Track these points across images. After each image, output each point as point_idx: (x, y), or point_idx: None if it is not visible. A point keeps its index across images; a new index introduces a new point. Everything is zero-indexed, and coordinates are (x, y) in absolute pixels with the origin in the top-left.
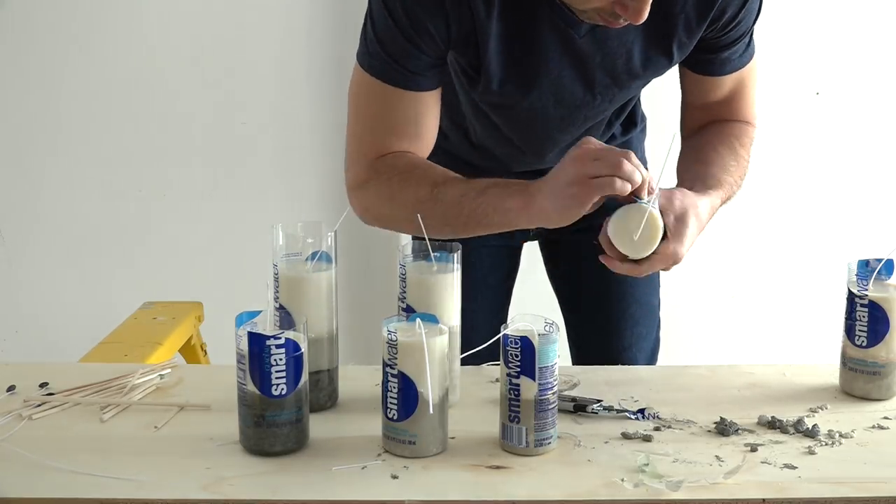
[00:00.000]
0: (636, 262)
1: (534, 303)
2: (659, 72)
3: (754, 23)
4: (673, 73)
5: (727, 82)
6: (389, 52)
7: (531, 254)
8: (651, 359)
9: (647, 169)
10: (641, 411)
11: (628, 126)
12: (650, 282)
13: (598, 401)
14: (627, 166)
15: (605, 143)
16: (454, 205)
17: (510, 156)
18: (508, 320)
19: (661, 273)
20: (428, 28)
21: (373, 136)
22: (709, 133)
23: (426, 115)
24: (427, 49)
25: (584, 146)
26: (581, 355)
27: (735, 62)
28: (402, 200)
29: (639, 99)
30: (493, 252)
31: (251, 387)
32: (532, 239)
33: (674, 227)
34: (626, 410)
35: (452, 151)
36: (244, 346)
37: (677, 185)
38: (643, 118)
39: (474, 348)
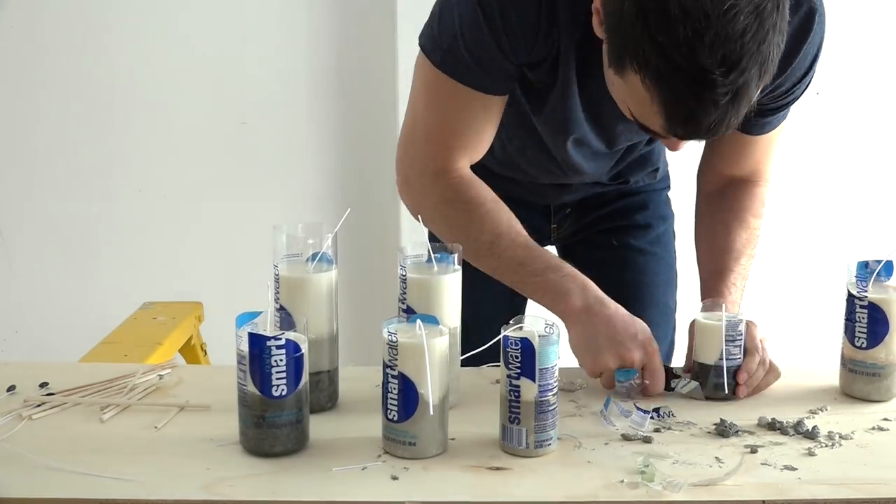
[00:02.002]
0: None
1: None
2: None
3: (803, 92)
4: None
5: (760, 142)
6: (472, 52)
7: None
8: (666, 360)
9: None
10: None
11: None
12: (667, 283)
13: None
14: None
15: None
16: (508, 268)
17: (535, 170)
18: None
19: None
20: (518, 35)
21: (441, 137)
22: (722, 210)
23: (490, 122)
24: (513, 56)
25: (652, 350)
26: None
27: (773, 124)
28: (459, 232)
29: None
30: None
31: (251, 388)
32: (552, 243)
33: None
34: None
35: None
36: (244, 346)
37: (700, 277)
38: (664, 169)
39: (483, 342)
